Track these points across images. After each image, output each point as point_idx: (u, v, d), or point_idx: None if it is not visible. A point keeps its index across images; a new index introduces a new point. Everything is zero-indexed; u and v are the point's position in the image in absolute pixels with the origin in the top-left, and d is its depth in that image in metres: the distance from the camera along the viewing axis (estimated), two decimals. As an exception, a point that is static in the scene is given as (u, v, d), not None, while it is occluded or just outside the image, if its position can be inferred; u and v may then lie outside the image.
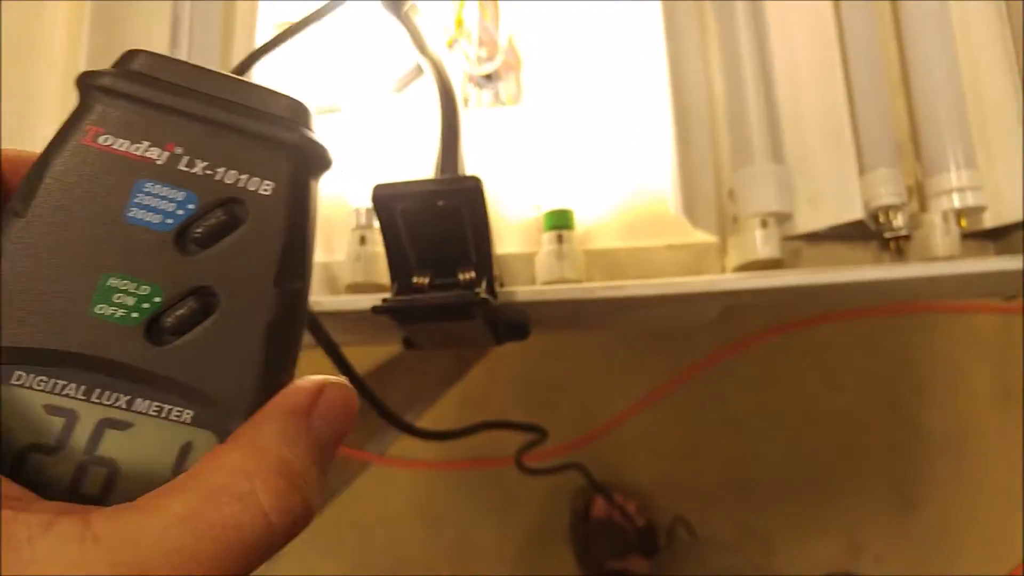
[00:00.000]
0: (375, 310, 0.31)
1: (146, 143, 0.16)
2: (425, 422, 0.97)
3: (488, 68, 0.45)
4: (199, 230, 0.16)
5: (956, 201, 0.40)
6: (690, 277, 0.37)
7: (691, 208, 0.39)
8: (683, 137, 0.39)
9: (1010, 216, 0.40)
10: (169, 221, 0.16)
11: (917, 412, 0.97)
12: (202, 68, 0.17)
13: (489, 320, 0.36)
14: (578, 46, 0.45)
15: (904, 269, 0.36)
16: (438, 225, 0.33)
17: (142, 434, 0.16)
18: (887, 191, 0.39)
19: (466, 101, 0.47)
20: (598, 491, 0.86)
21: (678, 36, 0.42)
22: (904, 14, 0.43)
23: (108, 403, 0.16)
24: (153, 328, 0.16)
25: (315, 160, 0.17)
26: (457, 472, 0.95)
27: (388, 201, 0.32)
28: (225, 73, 0.17)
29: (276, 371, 0.17)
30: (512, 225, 0.43)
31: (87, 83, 0.16)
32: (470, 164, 0.44)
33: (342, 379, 0.17)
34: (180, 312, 0.16)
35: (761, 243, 0.38)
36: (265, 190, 0.16)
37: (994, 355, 0.98)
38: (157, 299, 0.16)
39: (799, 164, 0.41)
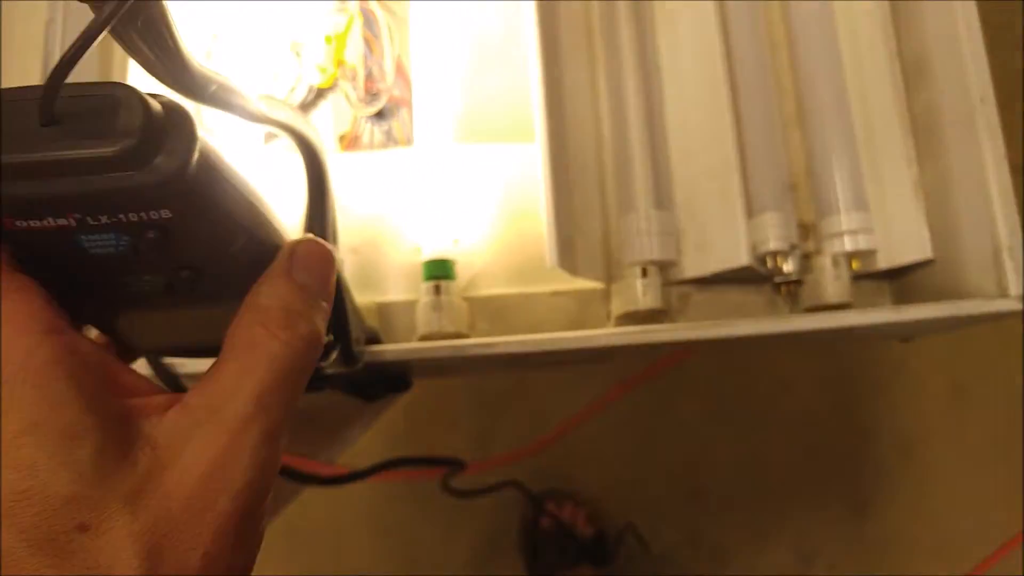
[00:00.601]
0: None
1: (50, 217, 0.17)
2: (374, 431, 0.96)
3: (375, 107, 0.44)
4: (144, 248, 0.18)
5: (847, 244, 0.39)
6: (562, 333, 0.36)
7: (574, 253, 0.38)
8: (566, 181, 0.38)
9: (903, 258, 0.39)
10: (122, 246, 0.18)
11: (870, 416, 0.97)
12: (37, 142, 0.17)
13: (357, 383, 0.35)
14: (470, 81, 0.44)
15: (782, 323, 0.35)
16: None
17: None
18: (774, 236, 0.38)
19: (358, 139, 0.45)
20: (537, 507, 0.86)
21: (563, 71, 0.40)
22: (797, 51, 0.42)
23: None
24: (175, 290, 0.20)
25: (184, 168, 0.17)
26: (405, 480, 0.95)
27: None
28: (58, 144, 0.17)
29: None
30: (399, 270, 0.41)
31: None
32: (359, 205, 0.43)
33: (309, 236, 0.22)
34: (182, 279, 0.20)
35: (641, 293, 0.37)
36: (165, 215, 0.18)
37: (947, 358, 0.97)
38: (160, 278, 0.20)
39: (687, 206, 0.40)
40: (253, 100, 0.29)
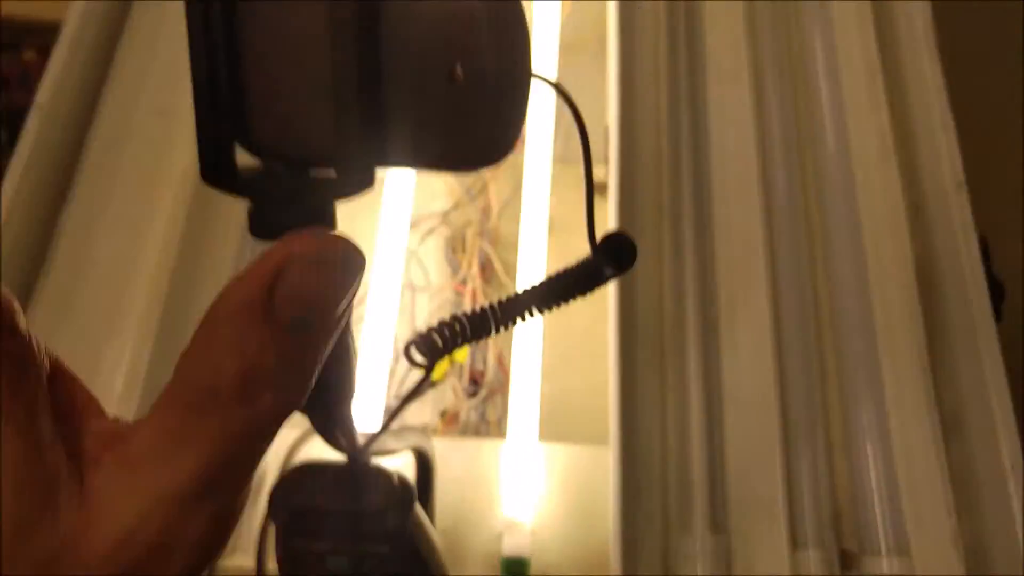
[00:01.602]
0: None
1: (318, 542, 0.27)
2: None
3: (476, 400, 0.52)
4: (364, 569, 0.27)
5: (886, 584, 0.42)
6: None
7: (637, 561, 0.43)
8: (635, 490, 0.44)
9: (942, 603, 0.42)
10: (349, 565, 0.27)
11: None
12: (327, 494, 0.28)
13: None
14: (558, 380, 0.51)
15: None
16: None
17: None
18: (816, 570, 0.42)
19: (456, 416, 0.53)
20: None
21: (637, 383, 0.47)
22: (846, 389, 0.48)
23: None
24: None
25: (404, 523, 0.27)
26: None
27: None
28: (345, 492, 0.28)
29: None
30: (480, 552, 0.47)
31: (277, 520, 0.28)
32: (452, 486, 0.49)
33: (312, 231, 0.16)
34: None
35: (692, 613, 0.42)
36: (384, 549, 0.27)
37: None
38: None
39: (739, 529, 0.45)
40: (393, 441, 0.37)
